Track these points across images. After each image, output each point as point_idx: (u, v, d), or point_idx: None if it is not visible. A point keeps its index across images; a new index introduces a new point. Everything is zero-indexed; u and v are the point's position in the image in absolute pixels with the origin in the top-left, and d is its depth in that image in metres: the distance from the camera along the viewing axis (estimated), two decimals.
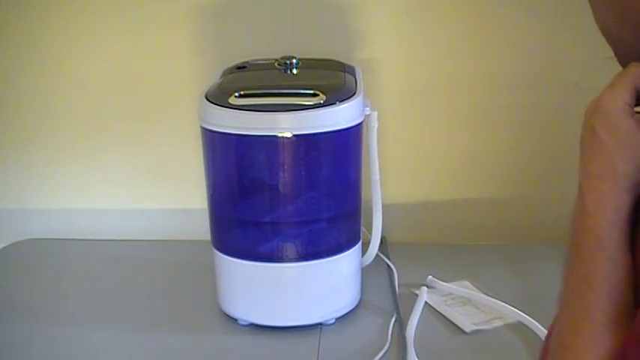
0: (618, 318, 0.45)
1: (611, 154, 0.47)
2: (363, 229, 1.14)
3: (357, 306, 1.14)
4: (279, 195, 1.06)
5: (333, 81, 1.08)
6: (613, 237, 0.46)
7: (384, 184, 1.13)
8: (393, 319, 1.10)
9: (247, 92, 1.01)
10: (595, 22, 0.53)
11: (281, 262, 1.07)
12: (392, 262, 1.26)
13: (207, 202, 1.09)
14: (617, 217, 0.47)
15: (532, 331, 1.04)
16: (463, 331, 1.06)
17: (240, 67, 1.16)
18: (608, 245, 0.46)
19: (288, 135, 0.99)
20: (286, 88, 1.02)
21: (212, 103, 1.00)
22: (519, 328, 1.06)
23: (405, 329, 1.06)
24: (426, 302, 1.14)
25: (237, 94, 1.00)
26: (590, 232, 0.47)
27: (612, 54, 0.54)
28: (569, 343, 0.47)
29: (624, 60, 0.51)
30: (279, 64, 1.11)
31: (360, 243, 1.12)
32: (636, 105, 0.49)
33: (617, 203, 0.47)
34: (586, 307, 0.46)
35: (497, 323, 1.08)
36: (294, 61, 1.10)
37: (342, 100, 1.00)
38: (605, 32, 0.53)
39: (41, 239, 1.42)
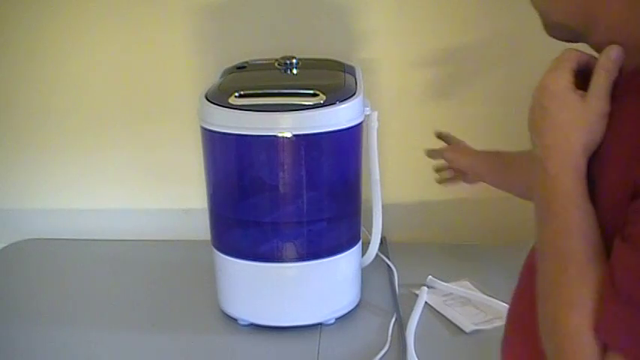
0: (595, 256, 0.51)
1: (562, 126, 0.55)
2: (363, 229, 1.14)
3: (357, 306, 1.14)
4: (279, 195, 1.06)
5: (333, 81, 1.08)
6: (578, 191, 0.53)
7: (384, 184, 1.13)
8: (393, 319, 1.10)
9: (247, 92, 1.01)
10: None
11: (281, 262, 1.07)
12: (392, 262, 1.27)
13: (207, 202, 1.09)
14: (578, 176, 0.54)
15: None
16: (463, 331, 1.06)
17: (240, 67, 1.16)
18: (575, 198, 0.53)
19: (288, 135, 0.99)
20: (286, 88, 1.02)
21: (212, 103, 1.00)
22: None
23: (405, 329, 1.06)
24: (426, 302, 1.14)
25: (237, 94, 1.00)
26: (558, 191, 0.54)
27: None
28: (557, 282, 0.53)
29: (550, 30, 0.60)
30: (279, 64, 1.10)
31: (360, 243, 1.12)
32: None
33: (575, 165, 0.54)
34: (567, 252, 0.53)
35: (497, 323, 1.07)
36: (294, 61, 1.10)
37: (342, 100, 1.00)
38: (534, 6, 0.61)
39: (41, 239, 1.42)
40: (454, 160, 1.09)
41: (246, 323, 1.10)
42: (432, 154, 1.12)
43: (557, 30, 0.59)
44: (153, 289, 1.24)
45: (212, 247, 1.10)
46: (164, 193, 1.43)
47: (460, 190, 1.39)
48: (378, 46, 1.30)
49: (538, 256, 0.56)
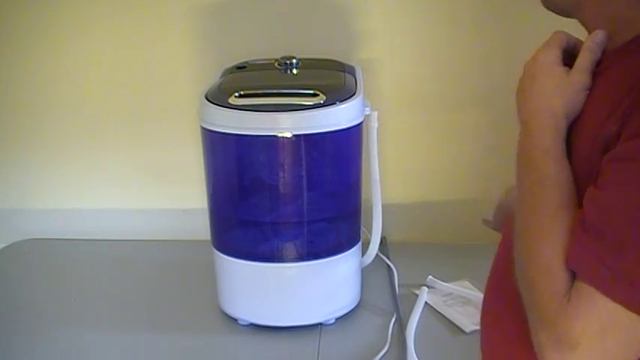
0: (569, 202, 0.57)
1: (548, 92, 0.62)
2: (363, 229, 1.14)
3: (357, 306, 1.14)
4: (279, 195, 1.06)
5: (333, 81, 1.08)
6: (556, 148, 0.59)
7: (384, 184, 1.13)
8: (393, 319, 1.10)
9: (247, 92, 1.01)
10: None
11: (281, 262, 1.07)
12: (392, 262, 1.26)
13: (207, 202, 1.09)
14: (558, 135, 0.60)
15: None
16: (463, 331, 1.06)
17: (240, 67, 1.16)
18: (554, 153, 0.59)
19: (288, 135, 0.99)
20: (286, 88, 1.02)
21: (212, 103, 1.00)
22: None
23: (405, 329, 1.06)
24: (426, 302, 1.14)
25: (237, 94, 1.00)
26: (538, 147, 0.60)
27: None
28: (534, 222, 0.58)
29: (545, 1, 0.66)
30: (279, 64, 1.10)
31: (360, 243, 1.12)
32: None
33: (555, 125, 0.60)
34: (542, 198, 0.58)
35: None
36: (294, 61, 1.10)
37: (342, 100, 1.00)
38: None
39: (41, 239, 1.42)
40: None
41: (246, 323, 1.10)
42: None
43: (551, 2, 0.65)
44: (153, 289, 1.24)
45: (212, 247, 1.10)
46: (164, 193, 1.43)
47: (460, 190, 1.39)
48: (378, 46, 1.30)
49: (516, 204, 0.62)
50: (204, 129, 1.02)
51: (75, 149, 1.41)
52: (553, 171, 0.59)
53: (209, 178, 1.08)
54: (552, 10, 0.66)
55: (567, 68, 0.62)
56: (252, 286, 1.08)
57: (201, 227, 1.14)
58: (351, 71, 1.13)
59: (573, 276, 0.53)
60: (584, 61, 0.61)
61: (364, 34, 1.29)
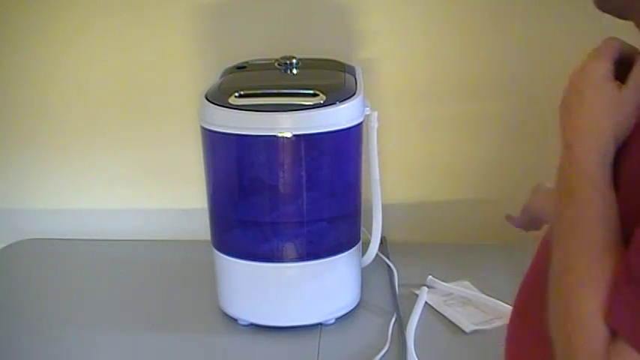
0: (614, 243, 0.51)
1: (596, 111, 0.55)
2: (363, 229, 1.14)
3: (357, 306, 1.14)
4: (279, 195, 1.06)
5: (333, 81, 1.08)
6: (602, 177, 0.54)
7: (384, 184, 1.13)
8: (393, 319, 1.10)
9: (247, 92, 1.01)
10: None
11: (281, 262, 1.07)
12: (392, 262, 1.26)
13: (207, 202, 1.09)
14: (604, 162, 0.54)
15: None
16: (463, 331, 1.06)
17: (240, 67, 1.16)
18: (599, 184, 0.53)
19: (288, 135, 0.99)
20: (286, 88, 1.02)
21: (212, 103, 1.00)
22: None
23: (405, 329, 1.06)
24: (426, 302, 1.14)
25: (237, 94, 1.00)
26: (582, 176, 0.54)
27: None
28: (573, 267, 0.52)
29: (597, 1, 0.58)
30: (279, 64, 1.10)
31: (360, 243, 1.12)
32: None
33: (603, 150, 0.54)
34: (585, 237, 0.52)
35: (497, 323, 1.07)
36: (294, 61, 1.10)
37: (342, 100, 1.00)
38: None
39: (41, 239, 1.42)
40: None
41: (246, 323, 1.10)
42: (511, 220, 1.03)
43: (607, 2, 0.58)
44: (153, 289, 1.24)
45: (212, 247, 1.10)
46: (164, 193, 1.43)
47: (460, 190, 1.39)
48: (378, 46, 1.29)
49: (554, 238, 0.56)
50: (204, 129, 1.02)
51: (75, 149, 1.41)
52: (598, 205, 0.53)
53: (209, 178, 1.08)
54: (606, 11, 0.59)
55: (619, 83, 0.56)
56: (252, 286, 1.08)
57: (201, 227, 1.14)
58: (351, 71, 1.13)
59: (615, 332, 0.48)
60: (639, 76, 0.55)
61: (364, 34, 1.29)
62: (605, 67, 0.56)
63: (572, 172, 0.55)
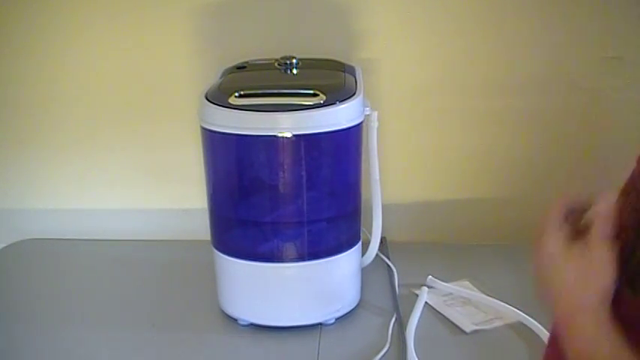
0: None
1: (571, 287, 0.54)
2: (363, 229, 1.14)
3: (357, 306, 1.14)
4: (279, 195, 1.06)
5: (333, 81, 1.08)
6: (610, 345, 0.51)
7: (384, 184, 1.13)
8: (393, 319, 1.10)
9: (247, 92, 1.01)
10: None
11: (281, 262, 1.07)
12: (392, 262, 1.26)
13: (207, 202, 1.09)
14: (605, 332, 0.52)
15: (532, 331, 1.04)
16: (463, 331, 1.06)
17: (240, 67, 1.16)
18: (606, 343, 0.51)
19: (288, 135, 0.99)
20: (286, 88, 1.02)
21: (212, 103, 1.00)
22: (519, 328, 1.06)
23: (405, 329, 1.06)
24: (426, 302, 1.14)
25: (237, 94, 1.00)
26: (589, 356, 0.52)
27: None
28: None
29: None
30: (279, 64, 1.10)
31: (360, 243, 1.12)
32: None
33: (599, 323, 0.52)
34: None
35: (497, 323, 1.08)
36: (294, 61, 1.10)
37: (342, 100, 1.00)
38: None
39: (41, 239, 1.42)
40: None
41: (246, 323, 1.10)
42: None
43: None
44: (153, 289, 1.24)
45: (212, 247, 1.10)
46: (164, 193, 1.43)
47: (460, 190, 1.39)
48: (378, 46, 1.30)
49: None
50: (204, 129, 1.02)
51: (75, 149, 1.41)
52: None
53: (209, 178, 1.08)
54: None
55: (582, 244, 0.54)
56: (252, 286, 1.08)
57: (201, 227, 1.14)
58: (351, 71, 1.13)
59: None
60: (600, 231, 0.53)
61: (364, 34, 1.29)
62: (559, 239, 0.55)
63: (578, 354, 0.53)
